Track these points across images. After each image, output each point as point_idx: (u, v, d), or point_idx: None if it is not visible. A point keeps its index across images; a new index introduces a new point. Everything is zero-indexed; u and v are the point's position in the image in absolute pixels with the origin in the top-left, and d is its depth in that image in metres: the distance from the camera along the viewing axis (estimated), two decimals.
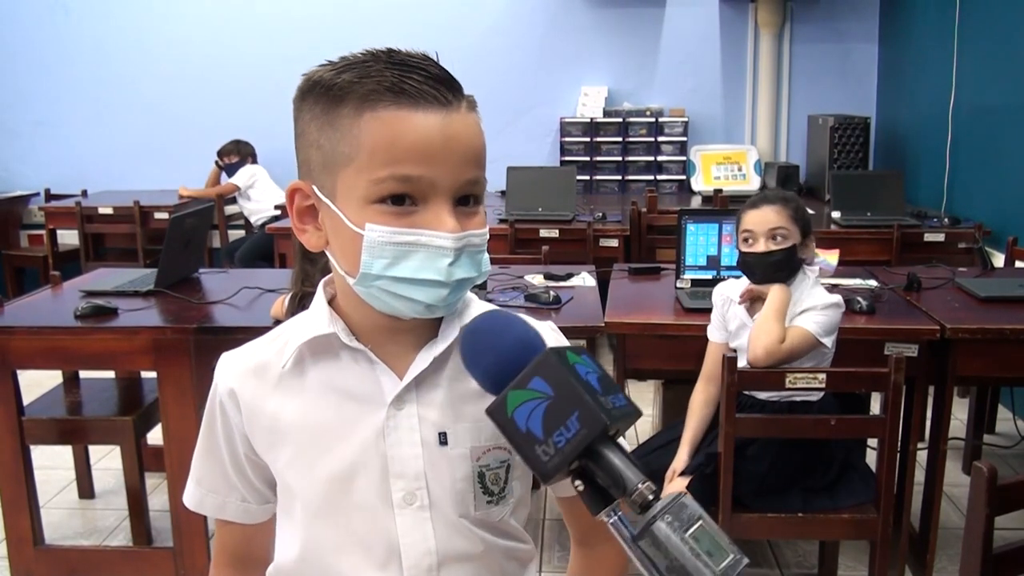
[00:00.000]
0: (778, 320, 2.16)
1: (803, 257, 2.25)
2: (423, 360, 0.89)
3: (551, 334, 0.97)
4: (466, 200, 0.85)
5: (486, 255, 0.87)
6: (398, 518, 0.89)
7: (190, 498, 1.01)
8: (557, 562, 2.72)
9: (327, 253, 0.89)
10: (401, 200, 0.82)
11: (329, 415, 0.90)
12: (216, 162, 5.55)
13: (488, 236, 0.88)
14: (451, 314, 0.91)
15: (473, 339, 0.79)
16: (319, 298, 0.94)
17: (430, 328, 0.91)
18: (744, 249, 2.24)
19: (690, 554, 0.66)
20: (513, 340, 0.78)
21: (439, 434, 0.89)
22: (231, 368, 0.95)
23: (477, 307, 0.93)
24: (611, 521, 0.72)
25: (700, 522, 0.68)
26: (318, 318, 0.91)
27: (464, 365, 0.79)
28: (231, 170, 5.50)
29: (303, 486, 0.91)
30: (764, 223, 2.20)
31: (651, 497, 0.70)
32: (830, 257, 2.63)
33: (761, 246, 2.20)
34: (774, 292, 2.20)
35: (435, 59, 0.84)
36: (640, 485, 0.70)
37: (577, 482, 0.73)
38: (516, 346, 0.77)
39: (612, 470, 0.71)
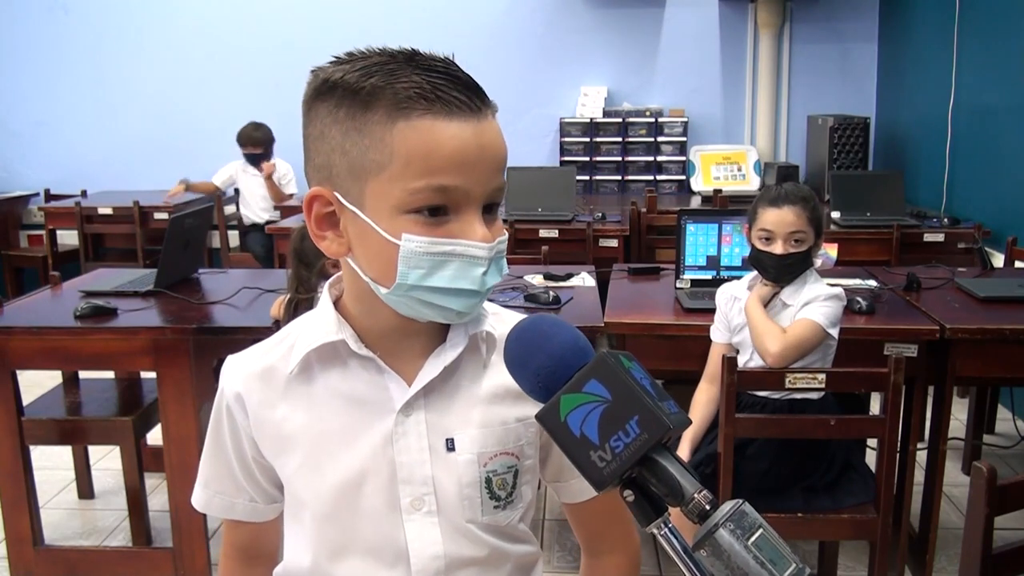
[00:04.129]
0: (767, 320, 2.20)
1: (814, 256, 2.27)
2: (433, 368, 0.89)
3: None
4: (490, 207, 0.84)
5: (505, 259, 0.87)
6: (406, 523, 0.89)
7: (198, 500, 1.00)
8: (557, 562, 2.72)
9: (348, 260, 0.87)
10: (436, 211, 0.81)
11: (337, 422, 0.90)
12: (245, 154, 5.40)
13: (507, 240, 0.87)
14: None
15: (521, 341, 0.77)
16: (325, 301, 0.93)
17: (438, 332, 0.90)
18: (761, 247, 2.23)
19: (754, 562, 0.65)
20: (564, 343, 0.75)
21: (446, 440, 0.90)
22: (237, 372, 0.94)
23: (488, 314, 0.93)
24: (661, 533, 0.70)
25: (761, 530, 0.66)
26: (325, 323, 0.90)
27: (508, 368, 0.78)
28: (256, 160, 5.34)
29: (312, 492, 0.91)
30: (784, 225, 2.19)
31: (708, 506, 0.68)
32: (830, 250, 2.65)
33: (779, 248, 2.20)
34: (749, 304, 2.24)
35: (456, 63, 0.83)
36: (697, 494, 0.68)
37: (627, 492, 0.71)
38: (568, 349, 0.75)
39: (668, 478, 0.69)
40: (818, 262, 2.33)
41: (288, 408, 0.91)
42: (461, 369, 0.91)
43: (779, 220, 2.20)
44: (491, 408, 0.91)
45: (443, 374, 0.89)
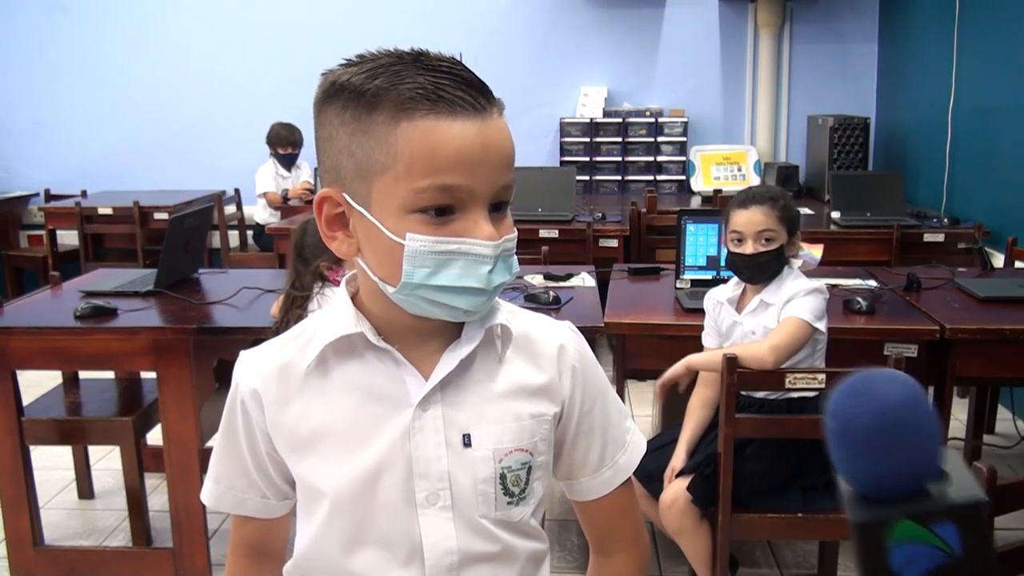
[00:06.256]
0: (739, 349, 2.17)
1: (789, 255, 2.28)
2: (449, 362, 0.89)
3: (570, 335, 0.98)
4: (498, 206, 0.85)
5: (515, 257, 0.87)
6: (421, 518, 0.90)
7: (208, 496, 1.00)
8: (557, 562, 2.72)
9: (358, 260, 0.88)
10: (442, 211, 0.81)
11: (355, 415, 0.90)
12: (273, 155, 5.34)
13: (516, 238, 0.87)
14: None
15: (891, 420, 0.63)
16: (343, 295, 0.93)
17: (454, 327, 0.91)
18: (733, 249, 2.26)
19: None
20: (932, 455, 0.63)
21: (463, 435, 0.90)
22: (253, 368, 0.94)
23: (502, 308, 0.94)
24: None
25: None
26: (343, 316, 0.91)
27: (840, 435, 0.66)
28: (288, 161, 5.33)
29: (329, 486, 0.91)
30: (753, 225, 2.21)
31: None
32: (814, 251, 2.65)
33: (749, 248, 2.22)
34: (693, 365, 2.24)
35: (462, 63, 0.84)
36: None
37: None
38: (929, 461, 0.62)
39: None
40: (798, 262, 2.33)
41: (305, 403, 0.91)
42: (476, 364, 0.91)
43: (748, 221, 2.22)
44: (506, 404, 0.91)
45: (459, 368, 0.90)
